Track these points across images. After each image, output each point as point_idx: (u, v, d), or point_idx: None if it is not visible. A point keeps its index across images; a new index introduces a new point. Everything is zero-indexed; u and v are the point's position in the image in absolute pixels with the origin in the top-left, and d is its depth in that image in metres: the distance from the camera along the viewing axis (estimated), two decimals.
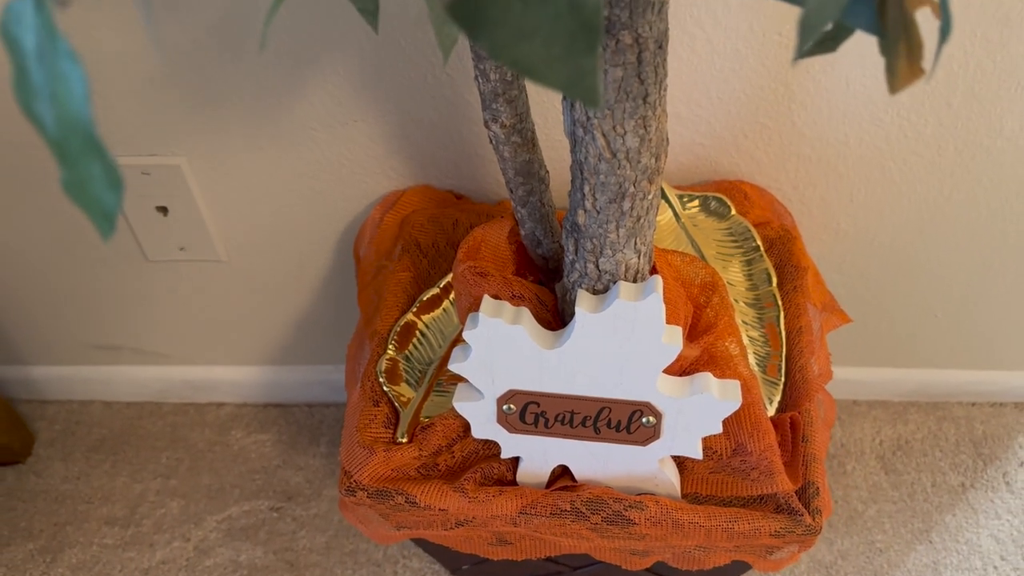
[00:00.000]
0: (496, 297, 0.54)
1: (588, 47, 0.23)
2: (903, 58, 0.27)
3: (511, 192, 0.57)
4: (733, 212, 0.69)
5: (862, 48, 0.62)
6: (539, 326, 0.52)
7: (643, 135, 0.43)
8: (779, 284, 0.64)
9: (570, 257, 0.52)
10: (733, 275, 0.66)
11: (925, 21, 0.35)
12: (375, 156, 0.72)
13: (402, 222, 0.73)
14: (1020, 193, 0.72)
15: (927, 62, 0.28)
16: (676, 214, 0.69)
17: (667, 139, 0.46)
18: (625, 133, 0.43)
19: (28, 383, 0.98)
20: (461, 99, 0.68)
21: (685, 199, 0.70)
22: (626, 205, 0.47)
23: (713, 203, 0.69)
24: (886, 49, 0.27)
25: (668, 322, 0.51)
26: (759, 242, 0.66)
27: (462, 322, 0.57)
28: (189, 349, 0.94)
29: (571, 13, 0.22)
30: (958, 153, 0.69)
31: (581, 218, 0.49)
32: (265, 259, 0.82)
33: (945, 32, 0.26)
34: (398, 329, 0.65)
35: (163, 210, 0.77)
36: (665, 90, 0.43)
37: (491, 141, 0.53)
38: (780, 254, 0.66)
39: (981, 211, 0.74)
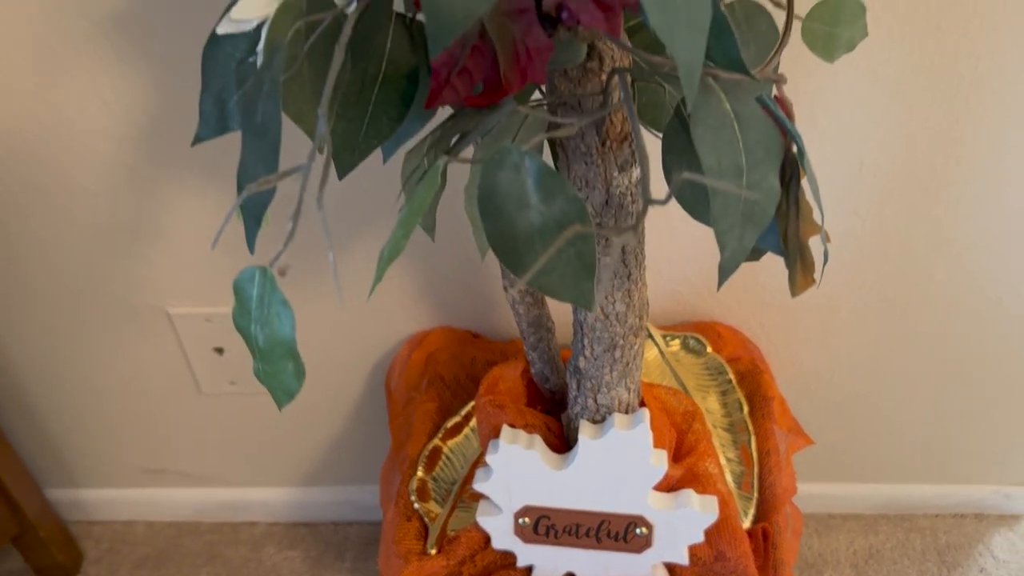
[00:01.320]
0: (512, 426, 0.65)
1: (588, 277, 0.35)
2: (800, 272, 0.39)
3: (524, 339, 0.69)
4: (709, 350, 0.81)
5: None
6: (549, 451, 0.64)
7: (628, 302, 0.56)
8: (750, 412, 0.76)
9: (573, 393, 0.64)
10: (711, 404, 0.77)
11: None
12: (405, 304, 0.85)
13: (427, 358, 0.85)
14: (956, 329, 0.84)
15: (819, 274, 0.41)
16: (661, 351, 0.81)
17: (648, 303, 0.58)
18: (615, 301, 0.55)
19: (78, 504, 1.08)
20: (478, 259, 0.81)
21: (668, 338, 0.82)
22: (617, 354, 0.59)
23: (691, 341, 0.82)
24: (788, 265, 0.40)
25: (655, 446, 0.62)
26: (732, 376, 0.78)
27: (483, 447, 0.68)
28: (226, 471, 1.04)
29: (577, 259, 0.35)
30: (900, 297, 0.82)
31: (582, 363, 0.61)
32: (304, 390, 0.93)
33: (826, 257, 0.38)
34: (426, 453, 0.76)
35: (220, 350, 0.89)
36: (644, 268, 0.56)
37: (508, 299, 0.66)
38: (750, 386, 0.78)
39: (925, 344, 0.86)
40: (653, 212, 0.76)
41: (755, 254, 0.42)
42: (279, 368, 0.32)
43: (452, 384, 0.83)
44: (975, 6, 0.64)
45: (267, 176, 0.32)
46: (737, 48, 0.34)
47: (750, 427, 0.75)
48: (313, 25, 0.35)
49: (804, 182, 0.40)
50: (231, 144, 0.73)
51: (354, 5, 0.36)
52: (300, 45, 0.36)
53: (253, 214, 0.34)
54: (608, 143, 0.48)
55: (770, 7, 0.50)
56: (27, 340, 0.90)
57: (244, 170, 0.34)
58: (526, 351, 0.70)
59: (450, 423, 0.78)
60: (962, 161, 0.72)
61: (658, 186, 0.73)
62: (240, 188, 0.34)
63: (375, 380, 0.92)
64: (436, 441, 0.77)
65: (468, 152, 0.72)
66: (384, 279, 0.83)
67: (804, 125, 0.71)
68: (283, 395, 0.32)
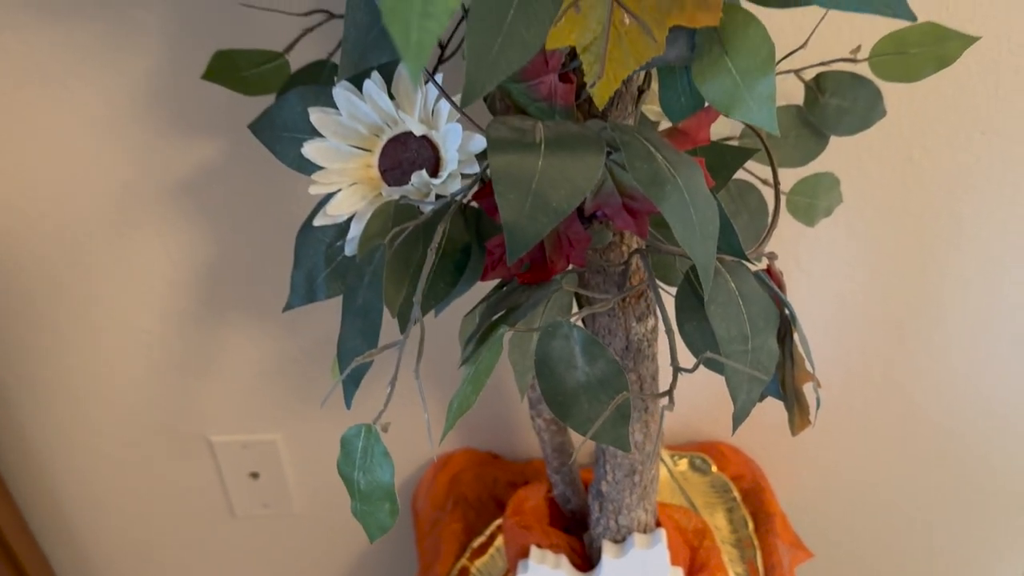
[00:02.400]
0: (539, 546, 0.71)
1: (624, 424, 0.43)
2: (797, 414, 0.47)
3: (548, 463, 0.76)
4: (714, 468, 0.87)
5: None
6: (575, 570, 0.69)
7: (646, 432, 0.63)
8: (755, 528, 0.82)
9: (595, 515, 0.70)
10: (718, 521, 0.83)
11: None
12: (431, 429, 0.92)
13: (452, 480, 0.91)
14: (942, 448, 0.92)
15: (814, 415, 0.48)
16: (670, 471, 0.88)
17: (663, 431, 0.66)
18: (634, 432, 0.63)
19: None
20: (500, 383, 0.88)
21: (676, 457, 0.89)
22: (636, 479, 0.66)
23: (698, 461, 0.88)
24: (787, 408, 0.47)
25: (672, 564, 0.68)
26: (736, 493, 0.85)
27: (511, 566, 0.74)
28: None
29: (616, 411, 0.42)
30: (886, 419, 0.89)
31: (604, 487, 0.67)
32: (334, 511, 0.99)
33: (819, 403, 0.46)
34: (455, 573, 0.81)
35: (255, 475, 0.94)
36: (659, 402, 0.63)
37: (535, 427, 0.73)
38: (754, 503, 0.84)
39: (915, 462, 0.93)
40: (662, 347, 0.84)
41: (759, 398, 0.49)
42: (376, 508, 0.39)
43: (476, 504, 0.88)
44: (922, 173, 0.74)
45: (369, 350, 0.40)
46: (738, 240, 0.43)
47: (755, 543, 0.81)
48: (399, 224, 0.44)
49: (796, 338, 0.48)
50: (275, 290, 0.82)
51: (430, 209, 0.45)
52: (384, 236, 0.45)
53: (353, 379, 0.41)
54: (627, 299, 0.56)
55: (759, 184, 0.60)
56: (75, 467, 0.95)
57: (344, 343, 0.42)
58: (549, 474, 0.77)
59: (476, 543, 0.84)
60: (934, 299, 0.81)
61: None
62: (341, 358, 0.42)
63: (402, 502, 0.98)
64: (464, 561, 0.82)
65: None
66: (410, 404, 0.90)
67: (789, 266, 0.80)
68: (376, 530, 0.39)
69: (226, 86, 0.55)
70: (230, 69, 0.55)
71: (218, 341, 0.85)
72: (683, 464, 0.89)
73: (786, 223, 0.77)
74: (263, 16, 0.65)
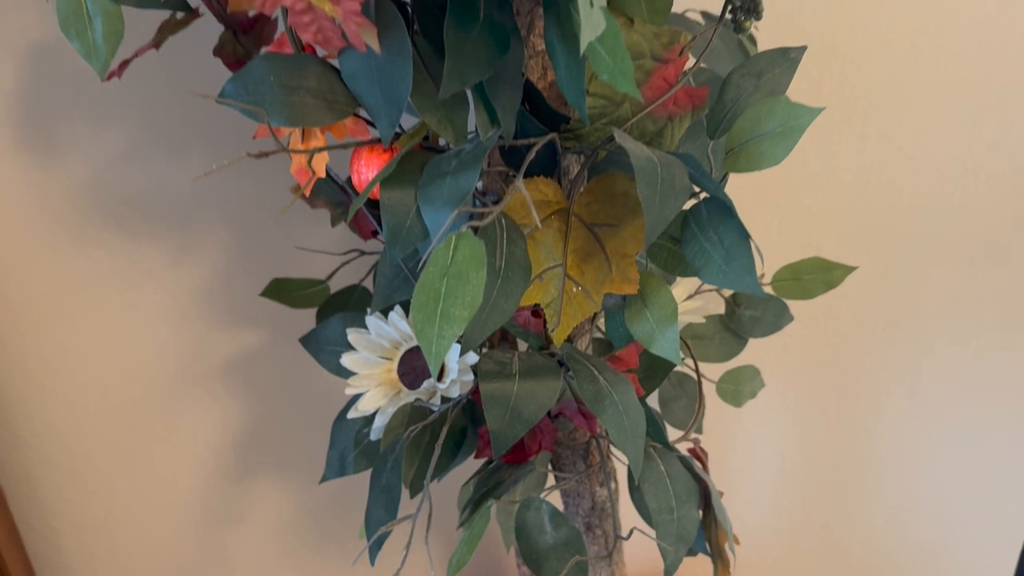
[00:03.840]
0: None
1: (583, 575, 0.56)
2: (720, 567, 0.60)
3: None
4: None
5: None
6: None
7: (613, 573, 0.76)
8: None
9: None
10: None
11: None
12: None
13: None
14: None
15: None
16: None
17: None
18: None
19: None
20: (492, 533, 1.01)
21: None
22: None
23: None
24: (712, 561, 0.61)
25: None
26: None
27: None
28: None
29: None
30: (824, 566, 1.02)
31: None
32: None
33: (733, 551, 0.60)
34: None
35: None
36: (621, 552, 0.76)
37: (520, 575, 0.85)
38: None
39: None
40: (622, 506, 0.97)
41: (690, 552, 0.63)
42: None
43: None
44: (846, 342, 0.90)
45: (390, 521, 0.54)
46: (665, 434, 0.58)
47: None
48: (416, 421, 0.59)
49: (715, 505, 0.62)
50: (301, 454, 0.96)
51: (438, 411, 0.60)
52: (403, 432, 0.60)
53: (377, 543, 0.55)
54: (590, 468, 0.70)
55: (695, 374, 0.75)
56: None
57: (371, 514, 0.56)
58: None
59: None
60: (859, 454, 0.95)
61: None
62: (368, 525, 0.56)
63: None
64: None
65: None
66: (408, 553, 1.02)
67: (732, 426, 0.94)
68: None
69: (279, 302, 0.72)
70: (283, 291, 0.71)
71: (249, 498, 0.98)
72: None
73: None
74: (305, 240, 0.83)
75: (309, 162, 0.48)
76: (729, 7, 0.51)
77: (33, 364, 0.89)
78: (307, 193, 0.53)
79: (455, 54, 0.43)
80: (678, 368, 0.74)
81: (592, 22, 0.38)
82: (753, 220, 0.83)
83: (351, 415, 0.63)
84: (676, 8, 0.65)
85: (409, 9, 0.49)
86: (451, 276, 0.39)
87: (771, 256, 0.85)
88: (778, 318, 0.73)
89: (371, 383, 0.63)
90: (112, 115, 0.78)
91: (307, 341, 0.66)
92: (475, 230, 0.50)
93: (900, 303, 0.88)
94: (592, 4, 0.38)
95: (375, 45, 0.42)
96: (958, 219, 0.84)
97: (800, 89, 0.78)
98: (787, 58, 0.53)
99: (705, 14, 0.68)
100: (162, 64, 0.76)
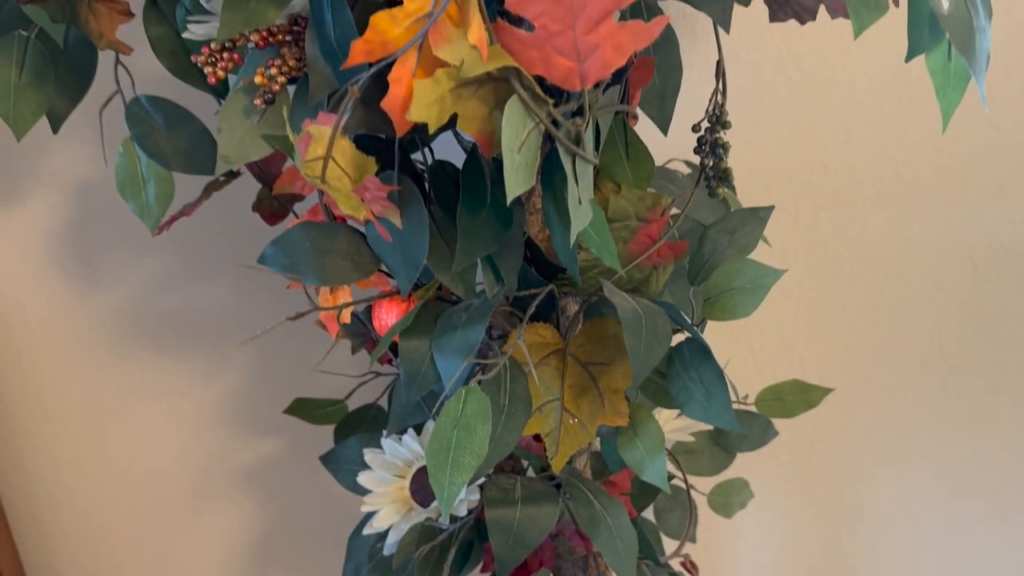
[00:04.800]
0: None
1: None
2: None
3: None
4: None
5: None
6: None
7: None
8: None
9: None
10: None
11: None
12: None
13: None
14: None
15: None
16: None
17: None
18: None
19: None
20: None
21: None
22: None
23: None
24: None
25: None
26: None
27: None
28: None
29: None
30: None
31: None
32: None
33: None
34: None
35: None
36: None
37: None
38: None
39: None
40: None
41: None
42: None
43: None
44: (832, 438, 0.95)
45: None
46: (655, 552, 0.63)
47: None
48: (427, 539, 0.64)
49: None
50: (314, 556, 1.00)
51: (446, 532, 0.65)
52: (415, 550, 0.65)
53: None
54: None
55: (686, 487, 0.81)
56: None
57: None
58: None
59: None
60: (846, 557, 0.99)
61: None
62: None
63: None
64: None
65: None
66: None
67: (726, 533, 0.99)
68: None
69: (301, 419, 0.78)
70: (305, 409, 0.77)
71: None
72: None
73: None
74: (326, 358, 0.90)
75: (338, 317, 0.55)
76: (702, 175, 0.59)
77: (64, 469, 0.95)
78: (333, 337, 0.60)
79: (466, 235, 0.50)
80: (672, 481, 0.80)
81: (581, 216, 0.45)
82: (737, 338, 0.89)
83: (366, 531, 0.68)
84: (659, 157, 0.73)
85: (426, 181, 0.57)
86: (461, 427, 0.46)
87: (755, 369, 0.92)
88: (763, 434, 0.78)
89: (385, 500, 0.69)
90: (151, 244, 0.86)
91: (327, 460, 0.71)
92: (483, 369, 0.56)
93: (880, 411, 0.93)
94: (580, 201, 0.45)
95: (397, 222, 0.50)
96: (932, 335, 0.90)
97: (779, 222, 0.85)
98: (757, 217, 0.60)
99: (688, 163, 0.76)
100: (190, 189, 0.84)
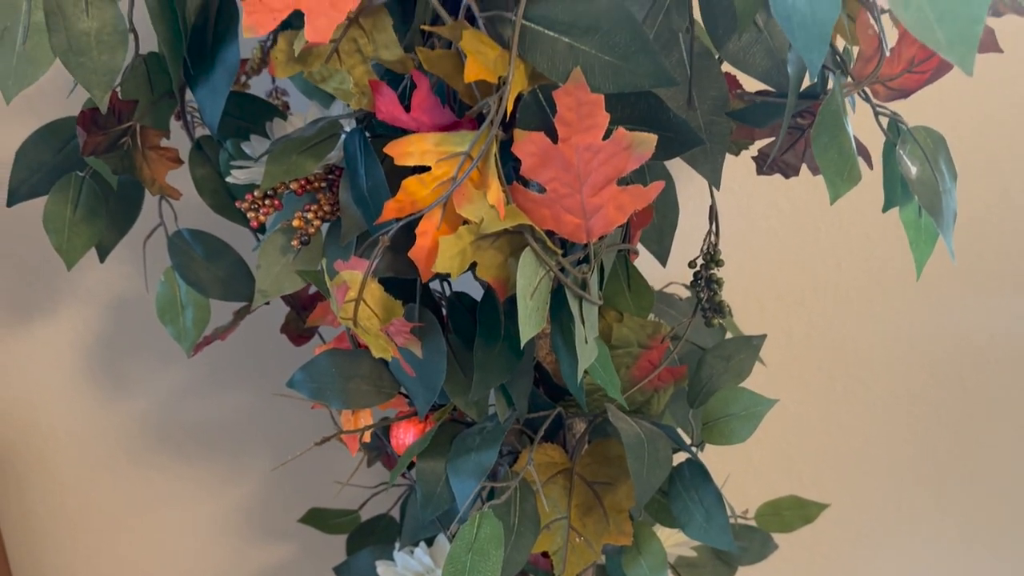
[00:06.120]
0: None
1: None
2: None
3: None
4: None
5: None
6: None
7: None
8: None
9: None
10: None
11: None
12: None
13: None
14: None
15: None
16: None
17: None
18: None
19: None
20: None
21: None
22: None
23: None
24: None
25: None
26: None
27: None
28: None
29: None
30: None
31: None
32: None
33: None
34: None
35: None
36: None
37: None
38: None
39: None
40: None
41: None
42: None
43: None
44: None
45: None
46: None
47: None
48: None
49: None
50: None
51: None
52: None
53: None
54: None
55: None
56: None
57: None
58: None
59: None
60: None
61: None
62: None
63: None
64: None
65: None
66: None
67: None
68: None
69: (315, 528, 0.80)
70: (319, 519, 0.80)
71: None
72: None
73: None
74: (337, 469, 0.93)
75: (360, 438, 0.59)
76: (699, 307, 0.63)
77: (82, 570, 0.97)
78: (353, 454, 0.64)
79: (482, 367, 0.54)
80: None
81: (587, 354, 0.49)
82: (737, 451, 0.92)
83: None
84: (658, 281, 0.77)
85: (444, 311, 0.62)
86: (475, 551, 0.49)
87: (754, 480, 0.94)
88: (763, 547, 0.81)
89: None
90: (176, 356, 0.90)
91: (341, 571, 0.74)
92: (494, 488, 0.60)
93: (876, 523, 0.96)
94: (586, 340, 0.49)
95: (419, 353, 0.54)
96: (924, 447, 0.93)
97: (773, 340, 0.90)
98: (750, 345, 0.65)
99: (687, 286, 0.80)
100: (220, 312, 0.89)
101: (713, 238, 0.62)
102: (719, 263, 0.62)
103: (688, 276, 0.66)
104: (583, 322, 0.50)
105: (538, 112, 0.48)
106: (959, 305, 0.90)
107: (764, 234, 0.87)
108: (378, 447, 0.75)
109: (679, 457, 0.63)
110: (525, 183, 0.49)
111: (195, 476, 0.94)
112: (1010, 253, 0.88)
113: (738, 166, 0.86)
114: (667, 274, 0.86)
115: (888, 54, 0.40)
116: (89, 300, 0.89)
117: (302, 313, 0.71)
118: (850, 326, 0.90)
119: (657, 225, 0.65)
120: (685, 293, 0.81)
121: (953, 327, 0.91)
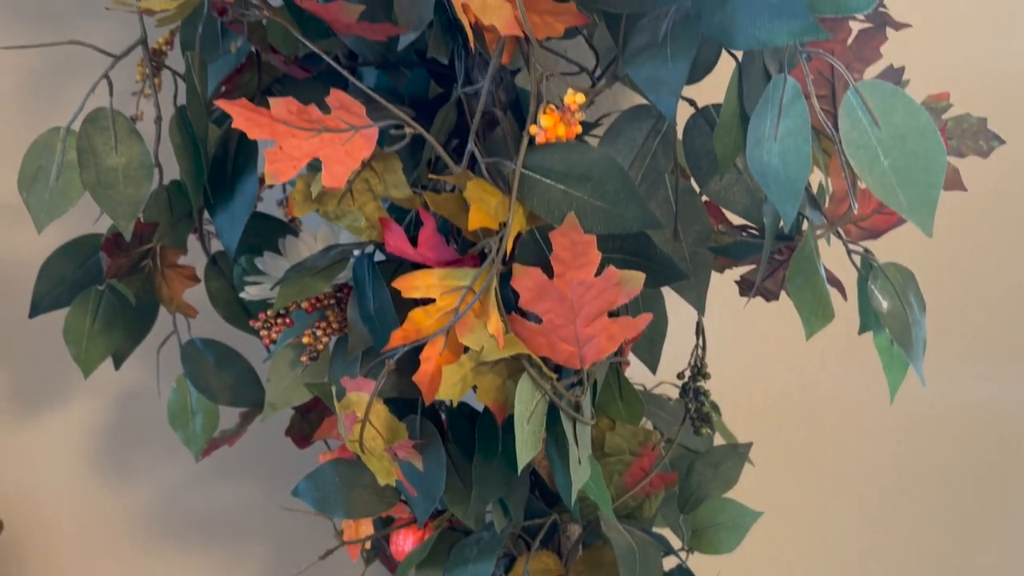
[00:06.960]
0: None
1: None
2: None
3: None
4: None
5: None
6: None
7: None
8: None
9: None
10: None
11: None
12: None
13: None
14: None
15: None
16: None
17: None
18: None
19: None
20: None
21: None
22: None
23: None
24: None
25: None
26: None
27: None
28: None
29: None
30: None
31: None
32: None
33: None
34: None
35: None
36: None
37: None
38: None
39: None
40: None
41: None
42: None
43: None
44: None
45: None
46: None
47: None
48: None
49: None
50: None
51: None
52: None
53: None
54: None
55: None
56: None
57: None
58: None
59: None
60: None
61: None
62: None
63: None
64: None
65: None
66: None
67: None
68: None
69: None
70: None
71: None
72: None
73: None
74: None
75: (362, 548, 0.61)
76: (687, 417, 0.66)
77: None
78: (353, 560, 0.66)
79: (480, 482, 0.57)
80: None
81: (580, 474, 0.52)
82: None
83: None
84: (648, 381, 0.80)
85: (443, 421, 0.64)
86: None
87: (745, 567, 0.95)
88: None
89: None
90: (182, 446, 0.92)
91: None
92: None
93: None
94: (580, 461, 0.52)
95: (419, 465, 0.57)
96: (915, 540, 0.96)
97: (761, 436, 0.92)
98: (737, 453, 0.68)
99: (676, 386, 0.83)
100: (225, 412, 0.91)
101: (700, 352, 0.65)
102: (706, 376, 0.65)
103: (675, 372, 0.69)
104: (576, 443, 0.53)
105: (535, 249, 0.52)
106: (945, 398, 0.93)
107: (751, 334, 0.91)
108: (377, 546, 0.77)
109: (671, 562, 0.65)
110: (523, 313, 0.52)
111: (196, 562, 0.95)
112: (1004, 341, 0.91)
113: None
114: (657, 374, 0.89)
115: (856, 206, 0.44)
116: (98, 393, 0.91)
117: (306, 416, 0.74)
118: (834, 424, 0.93)
119: (647, 335, 0.68)
120: (675, 392, 0.84)
121: (938, 420, 0.94)
